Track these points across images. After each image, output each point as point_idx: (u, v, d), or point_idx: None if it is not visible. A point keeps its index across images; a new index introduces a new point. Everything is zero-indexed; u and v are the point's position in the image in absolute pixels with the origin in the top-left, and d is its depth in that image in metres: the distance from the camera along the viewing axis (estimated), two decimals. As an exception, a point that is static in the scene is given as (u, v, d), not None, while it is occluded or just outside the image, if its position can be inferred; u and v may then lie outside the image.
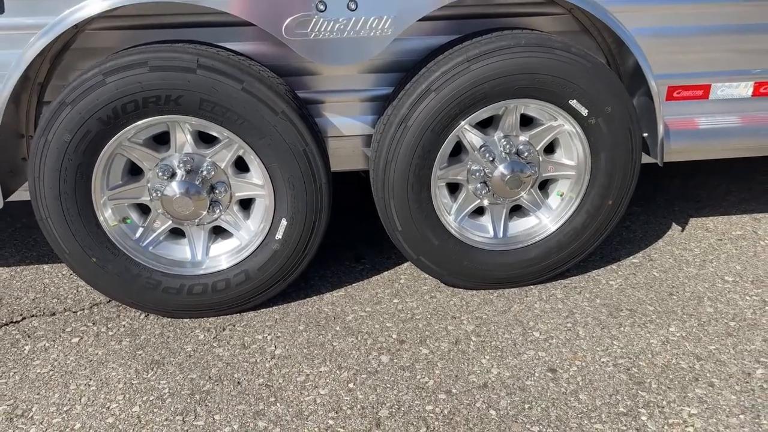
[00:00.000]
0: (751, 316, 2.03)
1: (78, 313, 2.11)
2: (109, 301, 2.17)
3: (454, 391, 1.72)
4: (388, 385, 1.74)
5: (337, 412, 1.65)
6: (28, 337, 1.99)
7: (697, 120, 2.26)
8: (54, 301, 2.19)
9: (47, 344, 1.95)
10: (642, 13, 2.02)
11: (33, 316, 2.11)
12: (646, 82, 2.06)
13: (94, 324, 2.05)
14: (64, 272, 2.38)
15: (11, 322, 2.08)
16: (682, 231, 2.61)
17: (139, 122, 1.76)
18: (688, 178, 3.08)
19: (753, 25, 2.16)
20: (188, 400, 1.71)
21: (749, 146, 2.35)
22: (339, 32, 1.72)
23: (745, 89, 2.26)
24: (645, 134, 2.15)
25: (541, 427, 1.60)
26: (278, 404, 1.68)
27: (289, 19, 1.70)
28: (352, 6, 1.70)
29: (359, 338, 1.95)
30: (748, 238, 2.55)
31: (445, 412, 1.65)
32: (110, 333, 2.00)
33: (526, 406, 1.66)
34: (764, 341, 1.91)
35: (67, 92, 1.71)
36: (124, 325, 2.04)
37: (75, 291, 2.24)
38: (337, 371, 1.80)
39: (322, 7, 1.69)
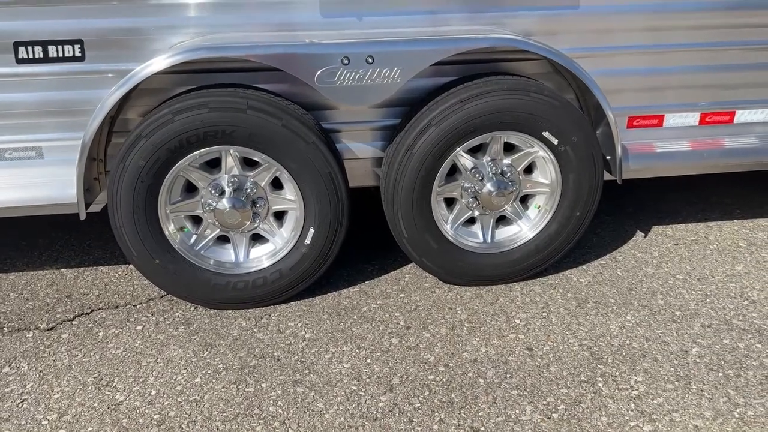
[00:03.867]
0: (694, 307, 2.48)
1: (137, 306, 2.54)
2: (163, 296, 2.59)
3: (450, 364, 2.16)
4: (398, 361, 2.18)
5: (358, 380, 2.09)
6: (100, 325, 2.42)
7: (654, 144, 2.72)
8: (115, 297, 2.61)
9: (116, 331, 2.38)
10: (600, 58, 2.48)
11: (100, 309, 2.53)
12: (605, 115, 2.51)
13: (152, 315, 2.48)
14: (119, 273, 2.80)
15: (83, 313, 2.50)
16: (645, 237, 3.06)
17: (199, 151, 2.20)
18: (654, 192, 3.54)
19: (698, 66, 2.62)
20: (239, 373, 2.13)
21: (698, 166, 2.80)
22: (359, 80, 2.17)
23: (693, 119, 2.72)
24: (607, 157, 2.60)
25: (519, 390, 2.03)
26: (311, 375, 2.12)
27: (320, 71, 2.14)
28: (370, 60, 2.14)
29: (373, 325, 2.38)
30: (700, 243, 3.00)
31: (444, 380, 2.08)
32: (167, 322, 2.43)
33: (508, 375, 2.10)
34: (702, 326, 2.35)
35: (143, 127, 2.15)
36: (177, 316, 2.47)
37: (132, 288, 2.67)
38: (357, 350, 2.24)
39: (346, 61, 2.13)
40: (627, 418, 1.91)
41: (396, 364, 2.16)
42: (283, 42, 2.14)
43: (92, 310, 2.52)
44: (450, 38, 2.20)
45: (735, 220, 3.21)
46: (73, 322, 2.44)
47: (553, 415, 1.93)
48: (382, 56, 2.15)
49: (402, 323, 2.39)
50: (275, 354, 2.23)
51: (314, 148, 2.23)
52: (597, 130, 2.56)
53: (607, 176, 2.59)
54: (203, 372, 2.14)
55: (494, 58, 2.47)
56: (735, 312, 2.43)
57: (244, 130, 2.16)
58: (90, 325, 2.42)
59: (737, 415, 1.92)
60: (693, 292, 2.58)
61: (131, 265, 2.83)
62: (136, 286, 2.68)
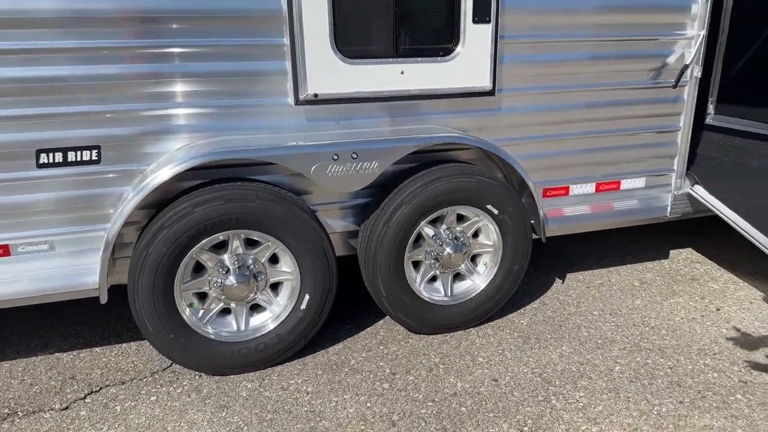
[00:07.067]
0: (610, 336, 3.14)
1: (144, 380, 2.77)
2: (165, 368, 2.85)
3: (436, 399, 2.62)
4: (393, 401, 2.60)
5: (364, 421, 2.48)
6: (114, 400, 2.63)
7: (564, 209, 3.44)
8: (119, 374, 2.82)
9: (132, 403, 2.60)
10: (520, 146, 3.18)
11: (108, 386, 2.73)
12: (528, 187, 3.19)
13: (161, 386, 2.72)
14: (115, 352, 3.01)
15: (92, 392, 2.69)
16: (563, 283, 3.75)
17: (213, 236, 2.57)
18: (562, 245, 4.30)
19: (592, 148, 3.40)
20: (259, 427, 2.45)
21: (597, 224, 3.55)
22: (346, 172, 2.68)
23: (590, 188, 3.48)
24: (532, 221, 3.27)
25: (494, 413, 2.53)
26: (324, 421, 2.48)
27: (315, 166, 2.64)
28: (354, 156, 2.67)
29: (364, 374, 2.80)
30: (606, 284, 3.73)
31: (434, 412, 2.54)
32: (178, 391, 2.69)
33: (483, 402, 2.60)
34: (619, 350, 3.00)
35: (166, 219, 2.50)
36: (185, 385, 2.73)
37: (133, 364, 2.89)
38: (356, 397, 2.64)
39: (335, 157, 2.65)
40: (578, 423, 2.47)
41: (392, 404, 2.58)
42: (284, 144, 2.62)
43: (101, 388, 2.71)
44: (416, 137, 2.79)
45: (628, 265, 4.01)
46: (86, 400, 2.62)
47: (524, 428, 2.44)
48: (364, 152, 2.69)
49: (388, 371, 2.82)
50: (286, 408, 2.57)
51: (309, 226, 2.68)
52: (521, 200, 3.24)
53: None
54: (226, 429, 2.44)
55: (443, 148, 3.09)
56: (641, 337, 3.12)
57: (253, 216, 2.57)
58: (104, 401, 2.62)
59: (655, 412, 2.53)
60: (608, 324, 3.25)
61: (124, 344, 3.06)
62: (136, 362, 2.90)
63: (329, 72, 2.70)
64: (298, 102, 2.72)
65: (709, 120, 4.99)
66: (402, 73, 2.80)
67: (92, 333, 3.17)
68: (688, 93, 3.48)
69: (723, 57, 4.79)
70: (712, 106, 5.02)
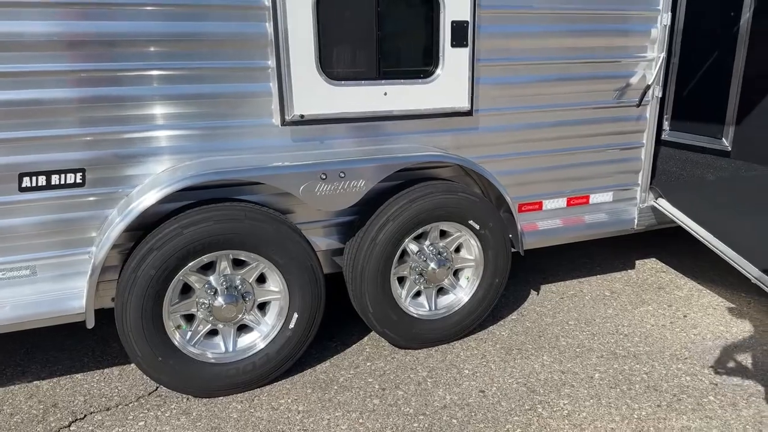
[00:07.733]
0: (587, 344, 3.26)
1: (129, 405, 2.72)
2: (151, 392, 2.80)
3: (427, 413, 2.67)
4: (385, 416, 2.64)
5: (358, 437, 2.51)
6: (100, 427, 2.57)
7: (538, 223, 3.57)
8: (103, 400, 2.76)
9: (120, 430, 2.55)
10: (497, 163, 3.30)
11: (92, 412, 2.67)
12: (506, 202, 3.31)
13: (149, 410, 2.68)
14: (96, 378, 2.94)
15: (76, 419, 2.63)
16: (538, 294, 3.87)
17: (201, 257, 2.57)
18: (537, 258, 4.43)
19: (563, 165, 3.55)
20: (253, 447, 2.44)
21: (569, 237, 3.70)
22: (334, 191, 2.73)
23: (562, 203, 3.63)
24: (510, 235, 3.38)
25: (484, 423, 2.60)
26: (318, 438, 2.50)
27: (304, 185, 2.67)
28: (342, 175, 2.73)
29: (354, 391, 2.82)
30: (578, 295, 3.87)
31: (426, 425, 2.58)
32: (166, 415, 2.65)
33: (473, 413, 2.66)
34: (597, 358, 3.12)
35: (155, 241, 2.48)
36: (173, 408, 2.70)
37: (117, 390, 2.83)
38: (348, 414, 2.66)
39: (323, 177, 2.69)
40: (565, 430, 2.55)
41: (384, 420, 2.62)
42: (272, 164, 2.65)
43: (85, 415, 2.65)
44: (403, 155, 2.86)
45: (598, 275, 4.17)
46: (71, 428, 2.56)
47: (514, 437, 2.51)
48: (351, 171, 2.75)
49: (377, 386, 2.86)
50: (278, 428, 2.57)
51: (298, 245, 2.71)
52: (500, 215, 3.35)
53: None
54: (220, 451, 2.42)
55: (424, 166, 3.18)
56: (616, 344, 3.25)
57: (241, 236, 2.59)
58: (90, 428, 2.56)
59: (636, 416, 2.65)
60: (584, 333, 3.38)
61: (106, 369, 3.00)
62: (120, 387, 2.85)
63: (315, 93, 2.76)
64: (284, 123, 2.76)
65: (665, 136, 5.27)
66: (385, 94, 2.89)
67: (71, 359, 3.09)
68: (650, 111, 3.68)
69: (676, 77, 5.08)
70: (667, 122, 5.30)
